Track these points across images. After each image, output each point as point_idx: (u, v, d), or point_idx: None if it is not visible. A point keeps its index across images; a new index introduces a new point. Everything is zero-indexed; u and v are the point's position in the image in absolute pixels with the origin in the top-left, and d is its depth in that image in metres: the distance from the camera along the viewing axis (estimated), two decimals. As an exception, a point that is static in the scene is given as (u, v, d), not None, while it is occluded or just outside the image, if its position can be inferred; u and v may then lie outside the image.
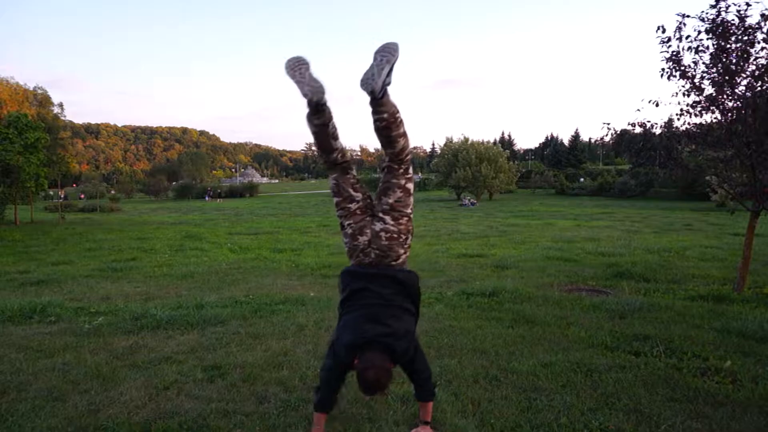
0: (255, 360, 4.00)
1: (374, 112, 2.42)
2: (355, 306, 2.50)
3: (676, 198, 36.73)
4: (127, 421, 3.01)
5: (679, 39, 5.87)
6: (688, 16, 5.78)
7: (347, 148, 2.65)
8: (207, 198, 51.98)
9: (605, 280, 7.30)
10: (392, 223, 2.52)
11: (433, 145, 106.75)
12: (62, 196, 48.39)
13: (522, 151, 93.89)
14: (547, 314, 5.28)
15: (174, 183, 65.41)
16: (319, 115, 2.45)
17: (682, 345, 4.21)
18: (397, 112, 2.44)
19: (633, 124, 6.93)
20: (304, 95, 2.39)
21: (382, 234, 2.51)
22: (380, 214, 2.55)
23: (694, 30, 5.80)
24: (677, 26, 5.80)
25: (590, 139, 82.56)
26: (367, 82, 2.34)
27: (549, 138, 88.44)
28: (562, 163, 71.26)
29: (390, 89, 2.41)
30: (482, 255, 10.07)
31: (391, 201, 2.54)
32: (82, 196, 49.40)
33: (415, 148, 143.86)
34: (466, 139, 43.84)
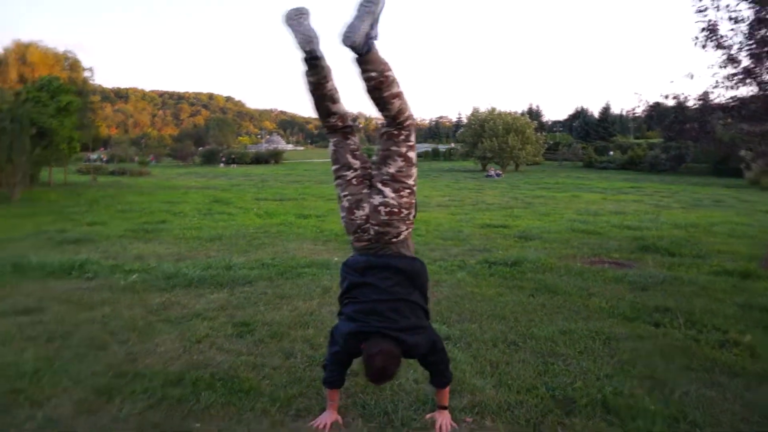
0: (282, 318, 4.17)
1: (361, 71, 2.22)
2: (355, 301, 2.39)
3: (708, 173, 35.77)
4: (163, 370, 3.21)
5: (717, 8, 5.70)
6: (726, -17, 5.60)
7: (352, 113, 2.60)
8: (221, 165, 51.46)
9: (629, 254, 7.28)
10: (393, 195, 2.32)
11: (459, 115, 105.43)
12: (104, 159, 49.34)
13: (550, 123, 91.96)
14: (568, 284, 5.34)
15: (201, 148, 66.21)
16: (312, 70, 2.27)
17: (702, 318, 4.23)
18: (388, 69, 2.22)
19: (666, 96, 6.79)
20: (296, 45, 2.24)
21: (382, 208, 2.32)
22: (379, 186, 2.35)
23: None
24: (715, -6, 5.63)
25: (621, 111, 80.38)
26: (347, 36, 2.11)
27: (578, 110, 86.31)
28: (591, 136, 69.66)
29: (378, 44, 2.20)
30: (506, 225, 10.08)
31: (391, 171, 2.33)
32: (105, 158, 50.39)
33: (441, 117, 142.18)
34: (493, 110, 43.14)
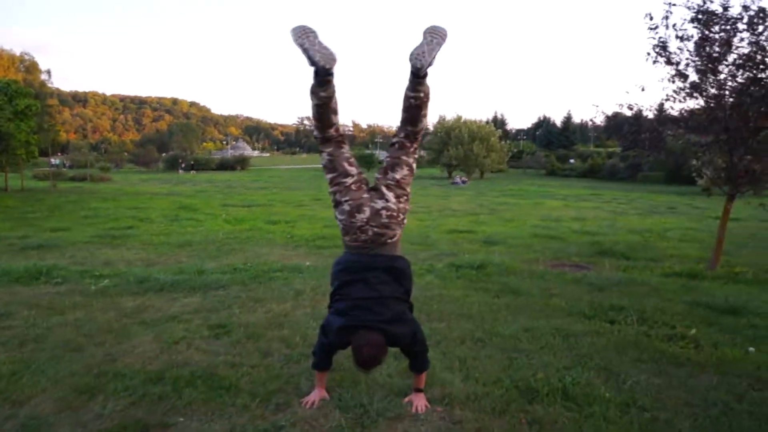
0: (257, 320, 4.28)
1: (412, 89, 2.46)
2: (346, 297, 2.54)
3: (663, 182, 37.27)
4: (142, 369, 3.28)
5: (666, 26, 6.12)
6: (674, 5, 6.02)
7: (340, 123, 2.69)
8: (180, 171, 48.86)
9: (588, 257, 7.64)
10: (394, 201, 2.52)
11: (426, 123, 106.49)
12: (68, 164, 47.35)
13: (514, 131, 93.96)
14: (531, 286, 5.61)
15: (164, 154, 64.95)
16: (326, 87, 2.42)
17: (653, 315, 4.55)
18: (430, 93, 2.50)
19: (622, 105, 7.19)
20: (315, 63, 2.34)
21: (383, 212, 2.50)
22: (384, 189, 2.54)
23: (681, 19, 6.05)
24: (665, 14, 6.05)
25: (582, 120, 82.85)
26: (418, 58, 2.36)
27: (541, 119, 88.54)
28: (554, 144, 71.58)
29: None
30: (472, 231, 10.38)
31: (398, 177, 2.55)
32: (68, 163, 48.67)
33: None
34: (459, 118, 43.94)
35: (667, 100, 6.82)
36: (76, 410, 2.77)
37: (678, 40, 6.15)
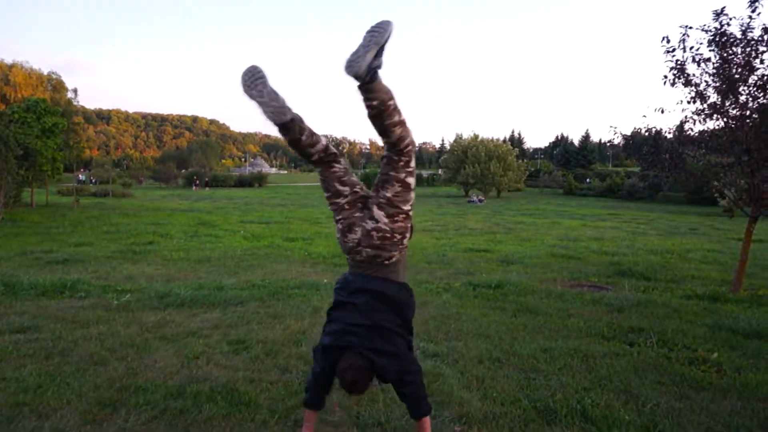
0: (275, 337, 4.32)
1: (364, 99, 2.19)
2: (336, 320, 2.44)
3: (684, 202, 36.79)
4: (163, 384, 3.34)
5: (683, 49, 6.12)
6: (691, 28, 6.03)
7: (323, 143, 2.44)
8: (194, 187, 48.21)
9: (607, 278, 7.57)
10: (386, 221, 2.33)
11: (443, 141, 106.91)
12: (93, 180, 47.99)
13: (531, 150, 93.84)
14: (549, 306, 5.58)
15: (183, 171, 65.93)
16: (286, 133, 2.28)
17: (674, 337, 4.49)
18: (390, 99, 2.19)
19: (640, 130, 7.18)
20: (266, 119, 2.21)
21: (374, 233, 2.34)
22: (375, 209, 2.35)
23: (697, 42, 6.06)
24: (681, 38, 6.06)
25: (600, 140, 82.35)
26: (350, 65, 2.10)
27: (559, 138, 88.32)
28: (572, 164, 71.21)
29: (381, 73, 2.17)
30: (488, 250, 10.35)
31: (388, 195, 2.33)
32: (94, 179, 49.62)
33: (424, 143, 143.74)
34: (476, 136, 44.02)
35: (686, 121, 6.79)
36: (99, 423, 2.83)
37: (694, 63, 6.14)
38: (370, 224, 2.35)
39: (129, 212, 19.07)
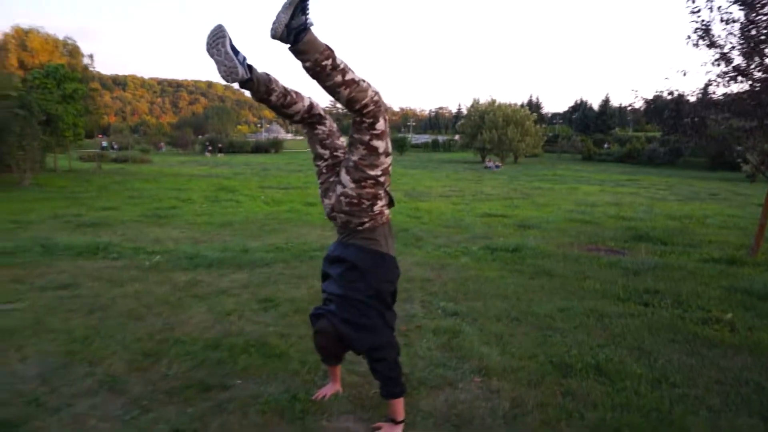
0: (302, 296, 4.52)
1: (299, 60, 2.05)
2: (323, 289, 2.48)
3: (706, 167, 36.15)
4: (200, 337, 3.56)
5: (710, 9, 6.01)
6: (719, -13, 5.91)
7: (307, 104, 2.39)
8: (206, 153, 47.91)
9: (624, 242, 7.63)
10: (352, 186, 2.25)
11: (459, 106, 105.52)
12: (116, 146, 48.33)
13: (550, 115, 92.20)
14: (565, 269, 5.70)
15: (200, 137, 66.28)
16: (251, 92, 2.20)
17: (688, 299, 4.60)
18: (324, 58, 2.02)
19: (662, 92, 7.11)
20: (221, 77, 2.11)
21: (342, 198, 2.29)
22: (342, 173, 2.29)
23: (726, 1, 5.94)
24: (707, -4, 5.94)
25: (621, 104, 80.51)
26: (272, 29, 1.98)
27: (578, 102, 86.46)
28: (591, 129, 69.92)
29: (312, 29, 2.02)
30: (506, 215, 10.43)
31: (354, 158, 2.23)
32: (116, 145, 50.10)
33: (440, 108, 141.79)
34: (493, 101, 43.41)
35: (710, 84, 6.71)
36: (144, 371, 3.05)
37: (723, 23, 6.03)
38: (339, 189, 2.31)
39: (149, 178, 19.39)
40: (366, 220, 2.31)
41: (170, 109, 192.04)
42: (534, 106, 76.59)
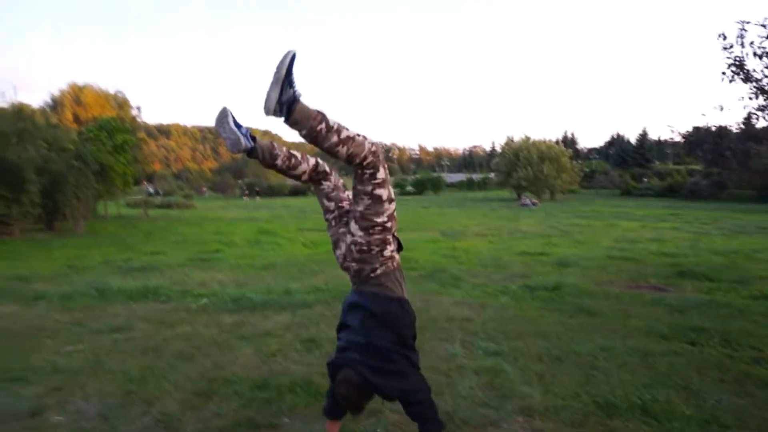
0: (343, 336, 4.62)
1: (295, 130, 2.19)
2: (341, 338, 2.51)
3: (752, 200, 34.89)
4: (248, 377, 3.70)
5: (742, 45, 6.05)
6: (748, 23, 5.96)
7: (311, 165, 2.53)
8: (244, 198, 48.75)
9: (667, 279, 7.47)
10: (361, 234, 2.32)
11: (493, 144, 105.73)
12: (161, 192, 50.48)
13: (585, 150, 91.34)
14: (606, 307, 5.63)
15: (239, 181, 68.25)
16: (258, 160, 2.36)
17: (737, 337, 4.48)
18: (318, 124, 2.14)
19: (700, 129, 7.09)
20: (228, 149, 2.34)
21: (353, 247, 2.36)
22: (351, 223, 2.37)
23: (758, 36, 5.97)
24: (739, 33, 5.99)
25: (659, 137, 79.23)
26: (264, 108, 2.11)
27: (614, 137, 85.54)
28: (628, 163, 68.84)
29: (302, 98, 2.15)
30: (544, 253, 10.35)
31: (360, 209, 2.32)
32: (161, 191, 52.17)
33: (474, 147, 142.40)
34: (527, 138, 43.41)
35: (750, 117, 6.67)
36: (196, 410, 3.20)
37: (757, 58, 6.05)
38: (348, 238, 2.38)
39: (193, 222, 20.08)
40: (377, 266, 2.36)
41: (211, 155, 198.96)
42: (569, 142, 76.13)
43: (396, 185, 60.12)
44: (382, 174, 2.30)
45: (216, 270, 8.76)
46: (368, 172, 2.27)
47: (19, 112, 16.60)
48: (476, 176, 68.02)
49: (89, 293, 6.37)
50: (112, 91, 43.75)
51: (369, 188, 2.29)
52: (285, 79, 2.10)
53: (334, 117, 2.20)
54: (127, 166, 22.57)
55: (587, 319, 5.17)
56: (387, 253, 2.38)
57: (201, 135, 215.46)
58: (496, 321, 5.10)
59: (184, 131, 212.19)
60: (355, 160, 2.23)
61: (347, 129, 2.22)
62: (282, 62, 2.10)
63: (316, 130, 2.14)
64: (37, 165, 14.60)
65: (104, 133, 21.68)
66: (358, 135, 2.24)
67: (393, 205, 2.37)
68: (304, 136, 2.16)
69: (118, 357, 4.16)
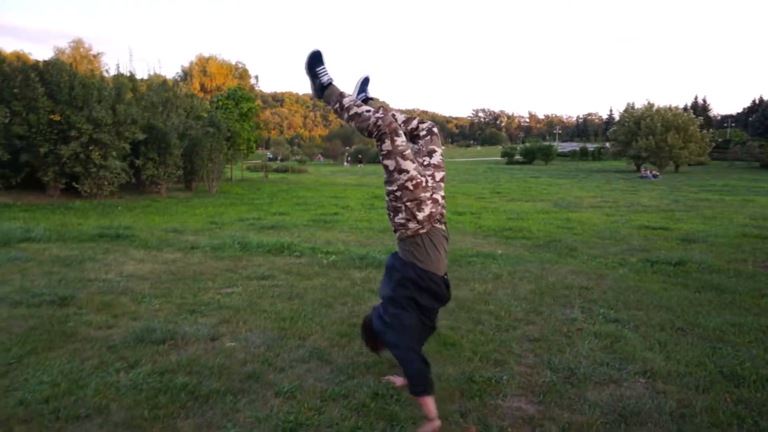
0: (465, 296, 4.95)
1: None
2: None
3: None
4: (382, 324, 4.15)
5: None
6: None
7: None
8: (346, 164, 51.54)
9: (811, 261, 6.91)
10: (386, 199, 2.62)
11: (611, 111, 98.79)
12: (279, 158, 54.32)
13: (719, 118, 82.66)
14: (737, 285, 5.42)
15: (347, 148, 70.42)
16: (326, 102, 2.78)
17: None
18: (335, 104, 2.64)
19: None
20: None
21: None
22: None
23: None
24: None
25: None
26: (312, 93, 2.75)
27: (756, 102, 76.29)
28: (772, 132, 61.28)
29: (334, 82, 2.68)
30: (666, 228, 9.89)
31: (385, 176, 2.62)
32: (280, 157, 55.67)
33: (589, 114, 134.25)
34: (651, 105, 40.25)
35: None
36: (343, 347, 3.70)
37: None
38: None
39: (309, 186, 21.37)
40: (395, 229, 2.61)
41: (321, 122, 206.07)
42: (700, 109, 69.30)
43: (504, 154, 58.63)
44: (387, 145, 2.48)
45: (338, 231, 9.45)
46: (377, 143, 2.56)
47: (164, 83, 18.50)
48: (591, 146, 64.43)
49: (234, 245, 7.25)
50: (233, 61, 46.78)
51: (381, 158, 2.57)
52: (309, 74, 2.71)
53: (351, 98, 2.73)
54: (251, 132, 24.35)
55: (715, 295, 5.04)
56: (398, 219, 2.54)
57: (312, 102, 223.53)
58: (615, 291, 5.14)
59: (297, 99, 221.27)
60: (364, 132, 2.61)
61: (358, 107, 2.62)
62: (305, 64, 2.71)
63: (335, 108, 2.68)
64: (179, 131, 16.34)
65: (232, 102, 23.49)
66: (368, 110, 2.57)
67: (403, 176, 2.46)
68: (333, 111, 2.70)
69: (268, 300, 4.82)
